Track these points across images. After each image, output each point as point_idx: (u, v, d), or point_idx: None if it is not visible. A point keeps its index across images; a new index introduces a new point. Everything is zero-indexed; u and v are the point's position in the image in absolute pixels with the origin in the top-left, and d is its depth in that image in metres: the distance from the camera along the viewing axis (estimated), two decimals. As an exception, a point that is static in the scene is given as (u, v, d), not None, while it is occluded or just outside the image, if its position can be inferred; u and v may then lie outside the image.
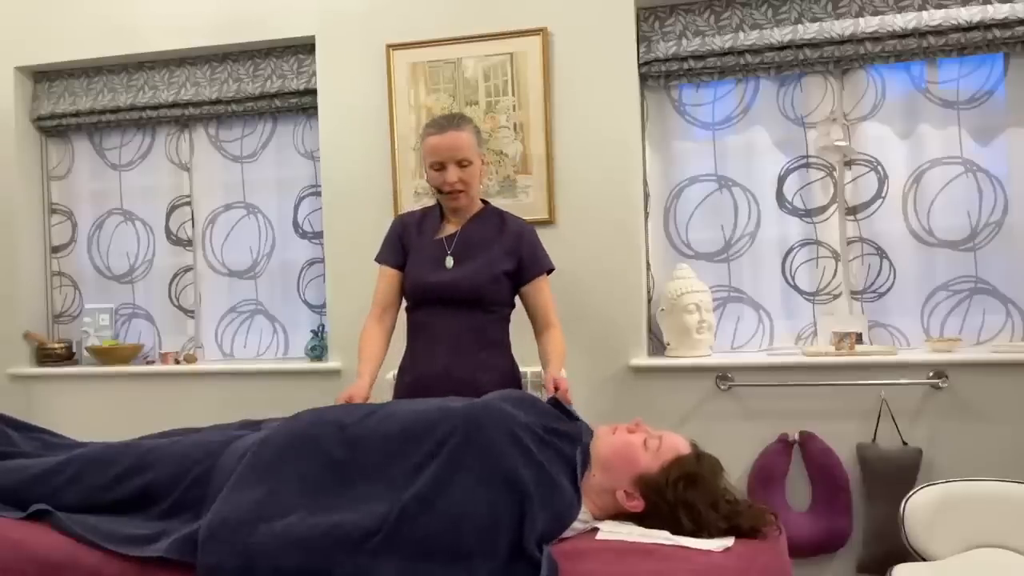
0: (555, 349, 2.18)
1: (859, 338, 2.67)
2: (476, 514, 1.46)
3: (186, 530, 1.57)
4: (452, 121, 2.17)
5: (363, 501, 1.54)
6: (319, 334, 3.11)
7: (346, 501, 1.56)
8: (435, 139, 2.14)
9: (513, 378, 2.26)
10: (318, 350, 3.10)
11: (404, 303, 2.28)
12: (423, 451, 1.59)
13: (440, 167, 2.14)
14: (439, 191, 2.19)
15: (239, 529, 1.51)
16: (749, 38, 2.74)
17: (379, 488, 1.57)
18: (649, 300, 2.87)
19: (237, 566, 1.48)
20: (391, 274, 2.26)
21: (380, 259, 2.29)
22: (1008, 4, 2.53)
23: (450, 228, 2.24)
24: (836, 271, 2.79)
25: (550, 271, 2.25)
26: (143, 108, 3.27)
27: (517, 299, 2.26)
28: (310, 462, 1.63)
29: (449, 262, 2.19)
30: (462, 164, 2.14)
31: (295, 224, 3.25)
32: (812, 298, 2.82)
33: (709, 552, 1.51)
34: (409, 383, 2.21)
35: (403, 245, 2.27)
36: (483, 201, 2.30)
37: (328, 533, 1.48)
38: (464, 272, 2.17)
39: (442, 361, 2.16)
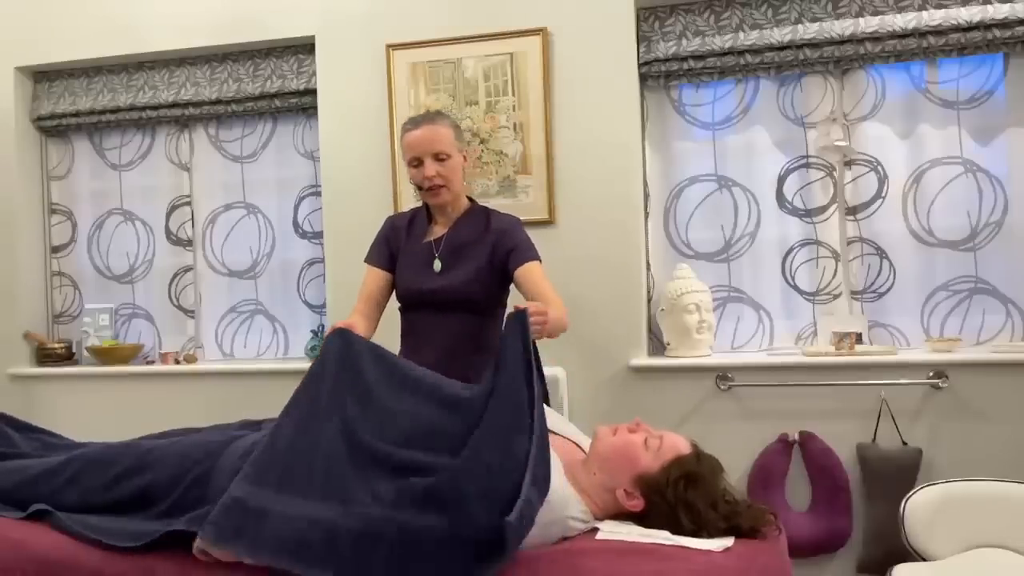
0: (553, 306, 1.94)
1: (859, 338, 2.67)
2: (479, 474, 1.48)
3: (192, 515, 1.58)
4: (427, 116, 2.18)
5: (367, 486, 1.57)
6: (319, 334, 3.11)
7: (355, 488, 1.57)
8: (410, 134, 2.14)
9: None
10: (318, 350, 3.09)
11: (397, 304, 2.27)
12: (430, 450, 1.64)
13: (418, 163, 2.14)
14: (419, 188, 2.18)
15: (250, 511, 1.52)
16: (749, 38, 2.74)
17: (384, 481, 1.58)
18: (649, 300, 2.87)
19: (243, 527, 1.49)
20: (377, 274, 2.26)
21: (368, 260, 2.29)
22: (1008, 4, 2.53)
23: (438, 230, 2.24)
24: (836, 271, 2.79)
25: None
26: (143, 108, 3.27)
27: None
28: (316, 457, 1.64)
29: (437, 266, 2.18)
30: (439, 158, 2.12)
31: (295, 224, 3.25)
32: (812, 298, 2.82)
33: (709, 552, 1.51)
34: None
35: (390, 248, 2.27)
36: (470, 199, 2.28)
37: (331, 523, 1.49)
38: (452, 278, 2.16)
39: (434, 363, 2.16)
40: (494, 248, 2.16)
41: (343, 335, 1.86)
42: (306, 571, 1.45)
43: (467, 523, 1.41)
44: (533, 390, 1.62)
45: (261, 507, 1.51)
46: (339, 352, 1.83)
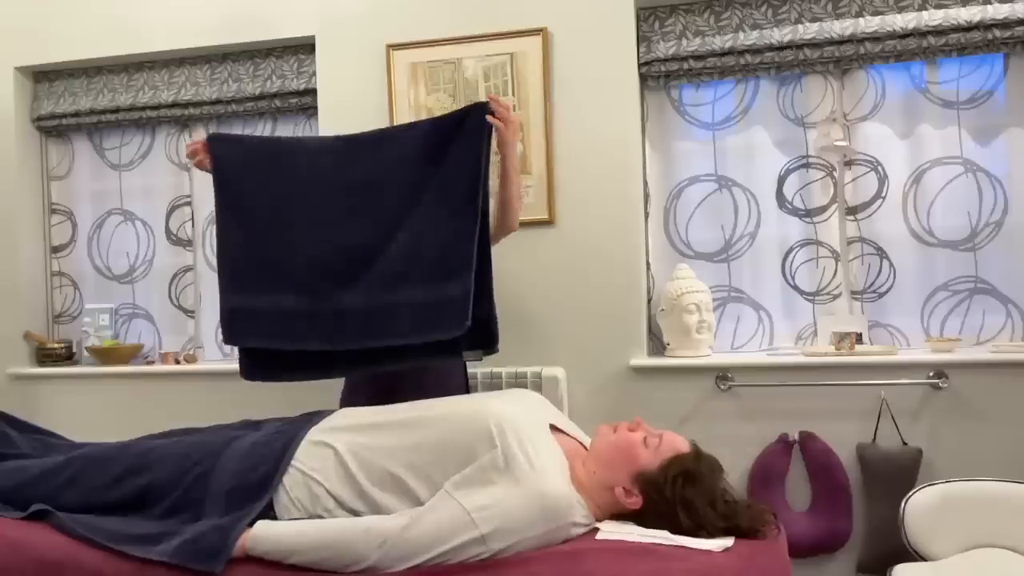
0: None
1: (859, 338, 2.67)
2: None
3: (188, 535, 1.58)
4: None
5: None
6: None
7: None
8: None
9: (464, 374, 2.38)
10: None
11: None
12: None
13: None
14: None
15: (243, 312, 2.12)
16: (749, 38, 2.73)
17: None
18: (649, 300, 2.87)
19: None
20: None
21: None
22: (1008, 4, 2.53)
23: None
24: (836, 271, 2.79)
25: None
26: (143, 108, 3.27)
27: None
28: None
29: None
30: None
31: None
32: (812, 298, 2.82)
33: (709, 552, 1.51)
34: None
35: None
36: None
37: None
38: None
39: None
40: None
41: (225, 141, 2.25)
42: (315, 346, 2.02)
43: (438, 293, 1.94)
44: (479, 178, 1.99)
45: (250, 308, 2.06)
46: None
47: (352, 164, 2.10)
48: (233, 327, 2.12)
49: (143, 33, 3.18)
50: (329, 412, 1.90)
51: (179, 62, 3.24)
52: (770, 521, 1.65)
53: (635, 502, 1.65)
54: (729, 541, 1.56)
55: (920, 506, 2.16)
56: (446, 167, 2.03)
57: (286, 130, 3.24)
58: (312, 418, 1.87)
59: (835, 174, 2.80)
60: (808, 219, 2.82)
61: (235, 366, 3.09)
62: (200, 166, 2.21)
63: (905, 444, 2.52)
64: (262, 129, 3.26)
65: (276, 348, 2.08)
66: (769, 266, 2.86)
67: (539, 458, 1.61)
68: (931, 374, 2.53)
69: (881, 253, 2.75)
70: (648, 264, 2.89)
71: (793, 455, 2.62)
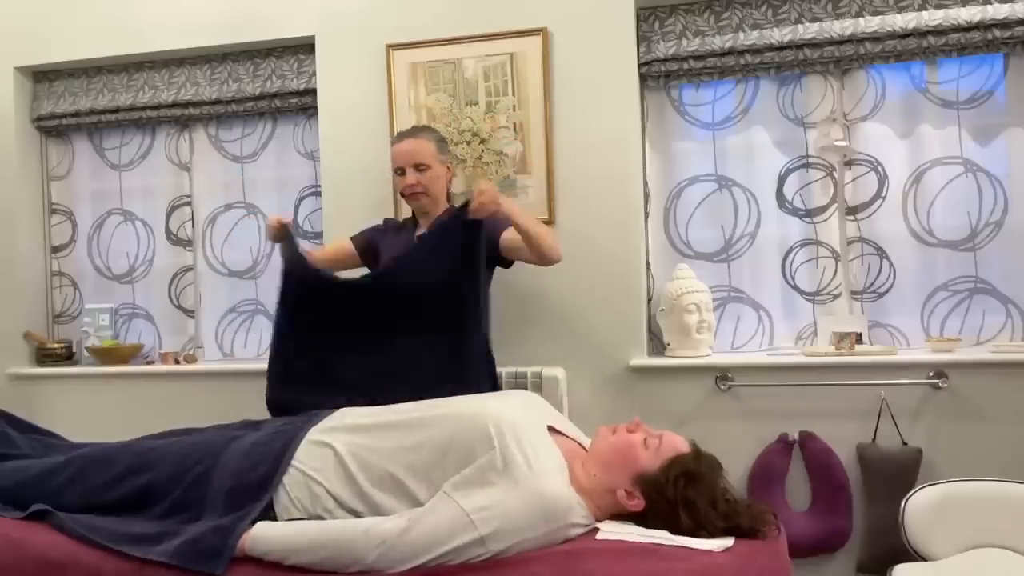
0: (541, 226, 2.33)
1: (859, 338, 2.67)
2: None
3: (188, 536, 1.58)
4: (412, 131, 2.51)
5: None
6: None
7: None
8: (395, 147, 2.48)
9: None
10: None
11: None
12: None
13: (401, 172, 2.46)
14: (403, 194, 2.49)
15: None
16: (749, 38, 2.73)
17: None
18: (649, 300, 2.87)
19: None
20: (348, 246, 2.63)
21: (352, 236, 2.64)
22: (1008, 4, 2.53)
23: (420, 232, 2.50)
24: (836, 271, 2.79)
25: None
26: (143, 108, 3.27)
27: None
28: None
29: None
30: (419, 168, 2.43)
31: (296, 224, 3.25)
32: (812, 298, 2.82)
33: (709, 552, 1.51)
34: None
35: (374, 241, 2.61)
36: (451, 205, 2.49)
37: None
38: None
39: None
40: None
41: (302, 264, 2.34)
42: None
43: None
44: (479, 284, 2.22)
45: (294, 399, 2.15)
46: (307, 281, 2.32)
47: (378, 303, 2.25)
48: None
49: (143, 33, 3.18)
50: (329, 412, 1.90)
51: (179, 62, 3.24)
52: (770, 521, 1.66)
53: (637, 504, 1.65)
54: (729, 541, 1.56)
55: (920, 506, 2.16)
56: (450, 286, 2.21)
57: (286, 130, 3.24)
58: (312, 418, 1.87)
59: (835, 174, 2.80)
60: (808, 219, 2.82)
61: (235, 366, 3.15)
62: (273, 239, 2.41)
63: (905, 444, 2.52)
64: (262, 128, 3.26)
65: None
66: (769, 266, 2.86)
67: (538, 459, 1.61)
68: (931, 374, 2.53)
69: (881, 253, 2.75)
70: (648, 264, 2.89)
71: (793, 455, 2.62)
